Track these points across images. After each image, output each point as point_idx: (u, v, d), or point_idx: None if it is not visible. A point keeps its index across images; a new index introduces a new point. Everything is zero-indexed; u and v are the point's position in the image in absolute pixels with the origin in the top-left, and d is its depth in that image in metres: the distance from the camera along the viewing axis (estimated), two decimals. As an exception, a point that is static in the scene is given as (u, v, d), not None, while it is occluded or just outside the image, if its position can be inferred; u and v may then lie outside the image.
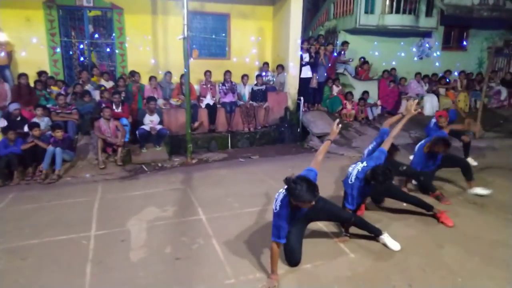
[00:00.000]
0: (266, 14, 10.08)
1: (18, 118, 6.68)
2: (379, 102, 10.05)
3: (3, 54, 7.73)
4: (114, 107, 7.26)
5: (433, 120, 6.41)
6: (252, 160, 7.32)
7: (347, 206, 3.81)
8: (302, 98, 9.25)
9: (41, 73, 7.99)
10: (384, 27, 10.95)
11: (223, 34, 9.86)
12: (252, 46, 10.01)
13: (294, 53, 9.24)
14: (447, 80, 11.14)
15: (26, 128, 6.43)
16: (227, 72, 8.84)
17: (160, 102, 8.24)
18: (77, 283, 3.11)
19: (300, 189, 2.78)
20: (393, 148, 4.24)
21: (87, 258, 3.49)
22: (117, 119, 7.03)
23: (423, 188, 4.93)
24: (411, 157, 6.60)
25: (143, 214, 4.50)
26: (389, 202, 4.56)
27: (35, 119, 6.60)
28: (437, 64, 11.98)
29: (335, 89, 9.87)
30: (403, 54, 11.75)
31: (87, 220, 4.35)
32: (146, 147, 7.22)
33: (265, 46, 10.27)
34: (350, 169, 3.92)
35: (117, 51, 9.04)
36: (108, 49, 9.18)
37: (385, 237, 3.62)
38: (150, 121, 7.29)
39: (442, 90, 10.76)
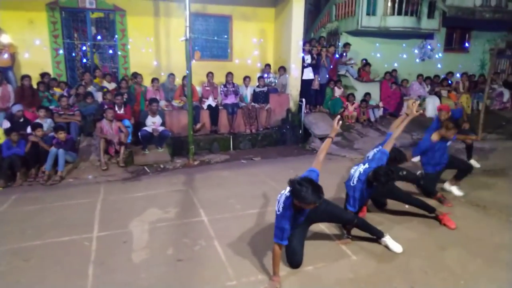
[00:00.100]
0: (268, 16, 10.10)
1: (21, 120, 6.70)
2: (381, 104, 10.04)
3: (6, 56, 7.77)
4: (116, 108, 7.28)
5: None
6: (254, 162, 7.32)
7: (349, 208, 3.80)
8: (304, 99, 9.26)
9: (44, 75, 8.02)
10: (386, 29, 10.96)
11: (225, 36, 9.89)
12: (254, 47, 10.04)
13: (296, 55, 9.25)
14: (449, 82, 11.12)
15: (29, 130, 6.46)
16: (229, 74, 8.86)
17: (162, 103, 8.26)
18: (79, 284, 3.12)
19: (306, 191, 2.77)
20: (401, 157, 4.21)
21: (89, 260, 3.50)
22: (119, 120, 7.05)
23: (424, 191, 4.92)
24: (414, 159, 6.61)
25: (145, 216, 4.51)
26: (391, 204, 4.55)
27: (37, 121, 6.62)
28: (439, 65, 11.98)
29: (337, 91, 9.87)
30: (405, 56, 11.75)
31: (90, 221, 4.37)
32: (148, 148, 7.24)
33: (267, 47, 10.28)
34: (352, 171, 3.91)
35: (119, 53, 9.08)
36: (110, 51, 9.22)
37: (387, 239, 3.62)
38: (152, 123, 7.30)
39: (444, 92, 10.74)
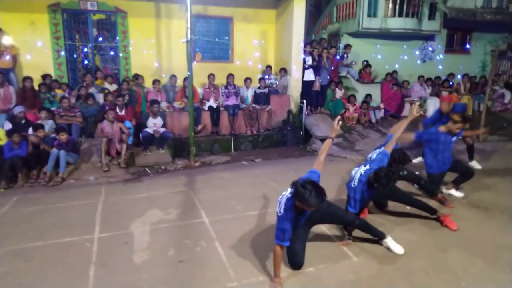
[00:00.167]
0: (269, 18, 10.12)
1: (23, 121, 6.72)
2: (382, 105, 10.05)
3: (8, 57, 7.79)
4: (117, 110, 7.29)
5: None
6: (255, 163, 7.32)
7: (350, 210, 3.79)
8: (305, 101, 9.27)
9: (45, 76, 8.04)
10: (387, 30, 10.96)
11: (226, 38, 9.91)
12: (255, 49, 10.06)
13: (297, 56, 9.27)
14: (450, 83, 11.11)
15: (30, 131, 6.47)
16: (230, 75, 8.87)
17: (164, 105, 8.27)
18: (80, 285, 3.12)
19: (309, 194, 2.77)
20: (404, 158, 4.19)
21: (90, 261, 3.50)
22: (120, 122, 7.06)
23: (427, 191, 4.90)
24: (415, 160, 6.61)
25: (146, 217, 4.52)
26: (392, 206, 4.55)
27: (39, 122, 6.64)
28: (440, 67, 11.97)
29: (339, 93, 9.87)
30: (406, 57, 11.75)
31: (91, 222, 4.37)
32: (149, 150, 7.25)
33: (268, 49, 10.30)
34: (353, 172, 3.91)
35: (121, 54, 9.10)
36: (112, 53, 9.24)
37: (389, 241, 3.61)
38: (154, 124, 7.32)
39: (445, 93, 10.73)
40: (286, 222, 2.97)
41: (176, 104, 8.51)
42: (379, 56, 11.36)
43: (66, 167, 6.22)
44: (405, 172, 4.76)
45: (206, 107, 8.60)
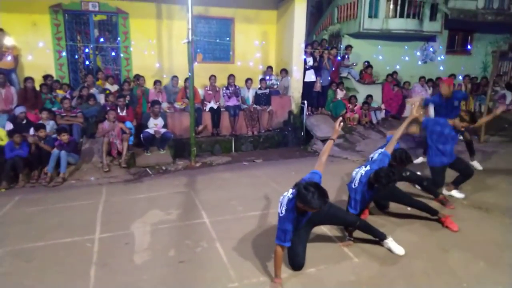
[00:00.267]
0: (270, 18, 10.13)
1: (24, 122, 6.73)
2: (383, 106, 10.04)
3: (9, 58, 7.80)
4: (119, 110, 7.30)
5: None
6: (256, 164, 7.32)
7: (350, 211, 3.79)
8: (305, 102, 9.27)
9: (46, 77, 8.05)
10: (388, 31, 10.95)
11: (227, 38, 9.91)
12: (256, 50, 10.06)
13: (298, 57, 9.27)
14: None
15: (32, 131, 6.48)
16: (231, 76, 8.88)
17: (165, 105, 8.28)
18: (81, 285, 3.13)
19: (312, 196, 2.78)
20: (407, 157, 4.18)
21: (91, 261, 3.50)
22: (121, 122, 7.07)
23: (429, 192, 4.89)
24: (417, 161, 6.61)
25: (147, 217, 4.52)
26: (393, 207, 4.54)
27: (40, 122, 6.65)
28: (441, 68, 11.96)
29: (340, 94, 9.86)
30: (407, 58, 11.75)
31: (92, 223, 4.38)
32: (150, 150, 7.26)
33: (269, 50, 10.30)
34: (354, 173, 3.90)
35: (122, 55, 9.12)
36: (113, 53, 9.26)
37: (390, 242, 3.61)
38: (155, 125, 7.32)
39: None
40: (287, 222, 2.97)
41: (177, 105, 8.52)
42: (380, 57, 11.36)
43: (67, 168, 6.23)
44: (408, 173, 4.76)
45: (207, 108, 8.61)
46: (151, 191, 5.60)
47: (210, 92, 8.73)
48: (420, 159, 6.69)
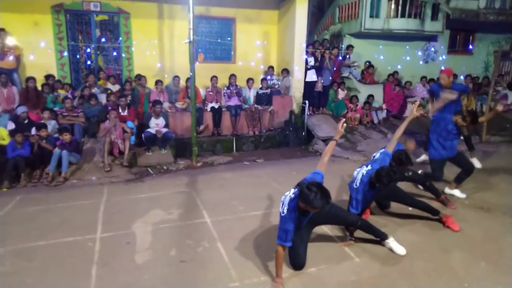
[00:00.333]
0: (271, 18, 10.12)
1: (26, 121, 6.75)
2: (384, 106, 10.03)
3: (11, 57, 7.81)
4: (120, 110, 7.31)
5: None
6: (257, 164, 7.32)
7: (352, 210, 3.79)
8: (307, 101, 9.27)
9: (48, 77, 8.07)
10: (390, 31, 10.95)
11: (229, 38, 9.92)
12: (257, 50, 10.06)
13: (299, 57, 9.26)
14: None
15: (33, 131, 6.50)
16: (232, 76, 8.88)
17: (166, 105, 8.28)
18: (83, 285, 3.13)
19: (315, 196, 2.78)
20: (407, 159, 4.17)
21: (92, 260, 3.51)
22: (123, 122, 7.09)
23: (431, 192, 4.88)
24: (420, 158, 6.62)
25: (148, 217, 4.53)
26: (395, 207, 4.54)
27: (42, 122, 6.67)
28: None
29: (341, 93, 9.86)
30: (408, 58, 11.73)
31: (93, 222, 4.38)
32: (151, 150, 7.27)
33: (270, 50, 10.30)
34: (355, 173, 3.90)
35: (123, 55, 9.13)
36: (114, 53, 9.27)
37: (391, 242, 3.61)
38: (156, 124, 7.33)
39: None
40: (289, 222, 2.97)
41: (179, 105, 8.52)
42: (382, 57, 11.35)
43: (68, 167, 6.24)
44: (410, 173, 4.75)
45: (208, 108, 8.61)
46: (152, 190, 5.61)
47: (211, 93, 8.73)
48: (422, 157, 6.71)
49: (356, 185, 3.76)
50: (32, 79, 7.51)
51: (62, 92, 7.95)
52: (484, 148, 7.64)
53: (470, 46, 12.72)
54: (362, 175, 3.75)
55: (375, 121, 9.62)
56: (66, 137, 6.27)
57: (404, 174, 4.69)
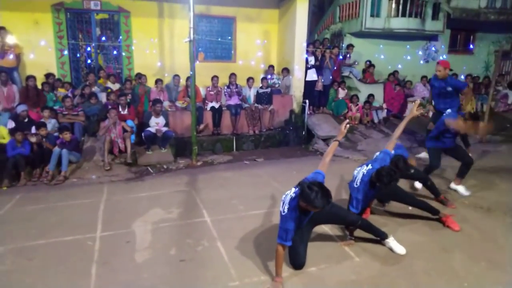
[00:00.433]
0: (271, 17, 10.11)
1: (26, 120, 6.75)
2: (384, 105, 10.02)
3: (11, 56, 7.81)
4: (120, 109, 7.31)
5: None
6: (257, 163, 7.32)
7: (352, 210, 3.78)
8: (307, 101, 9.26)
9: (48, 75, 8.07)
10: (390, 31, 10.94)
11: (229, 37, 9.91)
12: (257, 49, 10.05)
13: (299, 56, 9.25)
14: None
15: (33, 130, 6.50)
16: (232, 75, 8.87)
17: (166, 104, 8.28)
18: (82, 283, 3.13)
19: (316, 196, 2.78)
20: (404, 164, 4.14)
21: (92, 259, 3.51)
22: (123, 121, 7.08)
23: (431, 192, 4.87)
24: (420, 155, 6.64)
25: (148, 216, 4.52)
26: (395, 207, 4.54)
27: (42, 121, 6.66)
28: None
29: (341, 93, 9.85)
30: (409, 58, 11.72)
31: (93, 221, 4.38)
32: (151, 149, 7.26)
33: (271, 49, 10.29)
34: (356, 172, 3.90)
35: (123, 53, 9.12)
36: (115, 52, 9.27)
37: (391, 241, 3.61)
38: (156, 123, 7.32)
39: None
40: (289, 221, 2.97)
41: (179, 104, 8.52)
42: (382, 56, 11.33)
43: (68, 166, 6.24)
44: (412, 171, 4.73)
45: (208, 107, 8.61)
46: (152, 189, 5.60)
47: (212, 92, 8.73)
48: (422, 154, 6.73)
49: (356, 184, 3.75)
50: (32, 77, 7.50)
51: (62, 91, 7.95)
52: (484, 148, 7.64)
53: (471, 46, 12.71)
54: (363, 174, 3.74)
55: (375, 120, 9.62)
56: (66, 136, 6.26)
57: (407, 172, 4.67)
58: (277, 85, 9.57)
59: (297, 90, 9.43)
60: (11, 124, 6.67)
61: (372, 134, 8.98)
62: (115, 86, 8.38)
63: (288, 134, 9.07)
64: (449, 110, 5.00)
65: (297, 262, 3.26)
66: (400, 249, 3.55)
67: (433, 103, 6.51)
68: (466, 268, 3.30)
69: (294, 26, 9.13)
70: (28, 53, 8.28)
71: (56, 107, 7.27)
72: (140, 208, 4.78)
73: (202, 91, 8.92)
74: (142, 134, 7.19)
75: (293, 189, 3.05)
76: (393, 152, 4.21)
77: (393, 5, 10.86)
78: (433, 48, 12.18)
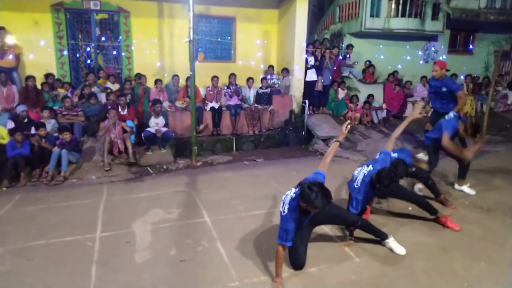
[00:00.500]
0: (271, 18, 10.11)
1: (25, 120, 6.74)
2: (384, 106, 10.02)
3: (11, 56, 7.80)
4: (120, 109, 7.31)
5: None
6: (257, 163, 7.32)
7: (352, 210, 3.77)
8: (307, 101, 9.26)
9: (48, 76, 8.07)
10: (390, 31, 10.94)
11: (229, 37, 9.91)
12: (257, 49, 10.06)
13: (299, 56, 9.25)
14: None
15: (33, 130, 6.49)
16: (232, 75, 8.87)
17: (166, 104, 8.28)
18: (82, 284, 3.13)
19: (316, 196, 2.78)
20: (402, 170, 4.14)
21: (92, 260, 3.51)
22: (123, 121, 7.08)
23: (431, 191, 4.86)
24: (419, 155, 6.64)
25: (148, 216, 4.52)
26: (395, 207, 4.54)
27: (41, 121, 6.66)
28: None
29: (341, 93, 9.86)
30: (408, 58, 11.72)
31: (93, 221, 4.38)
32: (151, 149, 7.26)
33: (270, 49, 10.30)
34: (356, 172, 3.89)
35: (123, 54, 9.12)
36: (114, 52, 9.27)
37: (391, 241, 3.60)
38: (156, 124, 7.32)
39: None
40: (290, 222, 2.97)
41: (178, 104, 8.51)
42: (382, 57, 11.34)
43: (68, 166, 6.24)
44: (414, 169, 4.73)
45: (208, 107, 8.60)
46: (152, 190, 5.60)
47: (211, 92, 8.73)
48: (421, 155, 6.73)
49: (357, 185, 3.74)
50: (32, 78, 7.49)
51: (61, 91, 7.94)
52: (484, 148, 7.62)
53: (471, 46, 12.71)
54: (364, 175, 3.73)
55: (375, 120, 9.62)
56: (66, 136, 6.26)
57: (408, 170, 4.66)
58: (276, 85, 9.57)
59: (297, 90, 9.43)
60: (11, 125, 6.67)
61: (372, 135, 8.98)
62: (115, 86, 8.38)
63: (288, 134, 9.07)
64: (450, 115, 4.98)
65: (297, 262, 3.26)
66: (400, 250, 3.54)
67: (430, 103, 6.55)
68: (466, 268, 3.30)
69: (294, 26, 9.13)
70: (27, 53, 8.28)
71: (55, 107, 7.26)
72: (140, 208, 4.78)
73: (202, 91, 8.91)
74: (142, 135, 7.19)
75: (293, 190, 3.04)
76: (395, 155, 4.22)
77: (393, 5, 10.85)
78: (433, 49, 12.17)
